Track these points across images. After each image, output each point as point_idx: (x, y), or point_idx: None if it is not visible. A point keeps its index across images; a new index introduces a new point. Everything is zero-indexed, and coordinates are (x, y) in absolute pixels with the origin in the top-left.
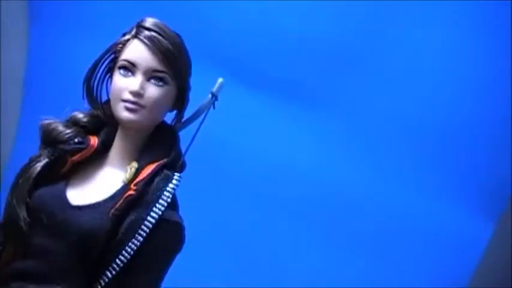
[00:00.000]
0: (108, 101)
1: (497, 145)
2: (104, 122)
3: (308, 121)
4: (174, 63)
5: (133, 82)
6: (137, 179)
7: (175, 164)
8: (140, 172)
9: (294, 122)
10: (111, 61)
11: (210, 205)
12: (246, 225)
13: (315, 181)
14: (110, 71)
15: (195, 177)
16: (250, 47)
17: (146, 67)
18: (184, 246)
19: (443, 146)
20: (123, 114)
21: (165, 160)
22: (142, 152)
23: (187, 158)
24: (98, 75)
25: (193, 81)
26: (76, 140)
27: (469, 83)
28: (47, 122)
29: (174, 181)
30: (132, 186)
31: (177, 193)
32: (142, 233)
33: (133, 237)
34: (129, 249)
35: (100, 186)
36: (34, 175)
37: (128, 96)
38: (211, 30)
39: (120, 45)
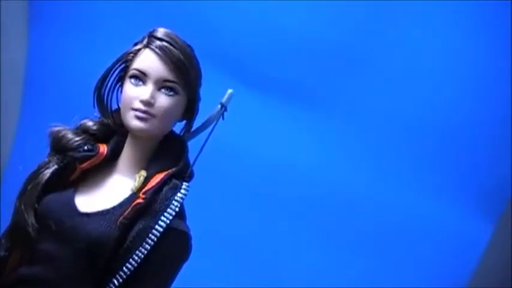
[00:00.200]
0: (118, 110)
1: (497, 145)
2: (113, 131)
3: (308, 121)
4: (184, 73)
5: (144, 91)
6: (146, 188)
7: (184, 174)
8: (149, 181)
9: (294, 122)
10: (122, 70)
11: (210, 205)
12: (246, 225)
13: (315, 181)
14: (121, 80)
15: (195, 177)
16: (250, 47)
17: (157, 77)
18: None
19: (443, 146)
20: (133, 123)
21: (173, 169)
22: (151, 161)
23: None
24: (109, 84)
25: None
26: (85, 147)
27: (469, 83)
28: (56, 129)
29: (182, 190)
30: (140, 194)
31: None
32: (150, 241)
33: (141, 245)
34: (136, 258)
35: (108, 194)
36: (43, 182)
37: (138, 105)
38: (211, 31)
39: (132, 55)
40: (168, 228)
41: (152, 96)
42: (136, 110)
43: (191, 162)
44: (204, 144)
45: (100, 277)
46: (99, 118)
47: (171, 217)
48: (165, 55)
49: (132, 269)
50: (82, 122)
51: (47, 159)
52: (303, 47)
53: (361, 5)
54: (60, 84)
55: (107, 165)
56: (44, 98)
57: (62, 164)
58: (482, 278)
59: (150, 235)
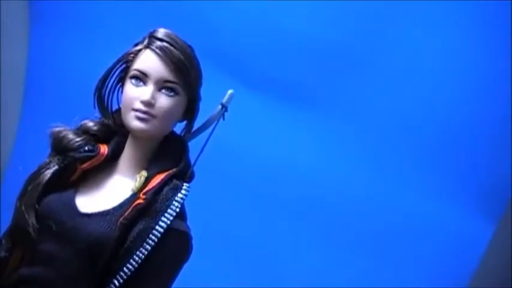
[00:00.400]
0: (118, 110)
1: (497, 145)
2: (114, 131)
3: (308, 121)
4: (185, 74)
5: (145, 92)
6: (146, 188)
7: (185, 174)
8: (149, 181)
9: (294, 122)
10: (122, 71)
11: (211, 205)
12: (246, 225)
13: (315, 181)
14: (121, 80)
15: (196, 177)
16: (250, 47)
17: (158, 77)
18: None
19: (443, 146)
20: (134, 123)
21: (174, 170)
22: (151, 162)
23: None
24: (109, 84)
25: None
26: (86, 148)
27: (469, 83)
28: (57, 129)
29: (183, 191)
30: (141, 195)
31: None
32: (150, 241)
33: (142, 245)
34: (137, 258)
35: (109, 194)
36: (44, 182)
37: (139, 105)
38: (211, 31)
39: (132, 55)
40: (169, 229)
41: (153, 97)
42: (136, 110)
43: (192, 162)
44: (204, 145)
45: (100, 277)
46: (100, 118)
47: (171, 217)
48: (165, 55)
49: (133, 269)
50: (83, 122)
51: (47, 160)
52: (303, 47)
53: (361, 5)
54: (61, 84)
55: (108, 165)
56: (45, 98)
57: (62, 165)
58: (483, 278)
59: (151, 235)
